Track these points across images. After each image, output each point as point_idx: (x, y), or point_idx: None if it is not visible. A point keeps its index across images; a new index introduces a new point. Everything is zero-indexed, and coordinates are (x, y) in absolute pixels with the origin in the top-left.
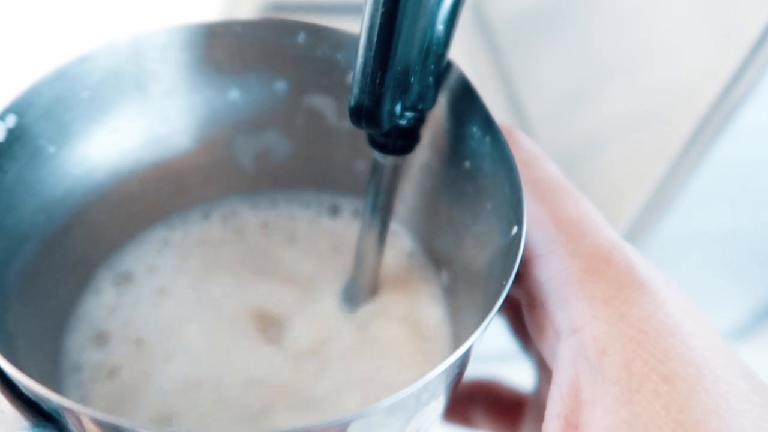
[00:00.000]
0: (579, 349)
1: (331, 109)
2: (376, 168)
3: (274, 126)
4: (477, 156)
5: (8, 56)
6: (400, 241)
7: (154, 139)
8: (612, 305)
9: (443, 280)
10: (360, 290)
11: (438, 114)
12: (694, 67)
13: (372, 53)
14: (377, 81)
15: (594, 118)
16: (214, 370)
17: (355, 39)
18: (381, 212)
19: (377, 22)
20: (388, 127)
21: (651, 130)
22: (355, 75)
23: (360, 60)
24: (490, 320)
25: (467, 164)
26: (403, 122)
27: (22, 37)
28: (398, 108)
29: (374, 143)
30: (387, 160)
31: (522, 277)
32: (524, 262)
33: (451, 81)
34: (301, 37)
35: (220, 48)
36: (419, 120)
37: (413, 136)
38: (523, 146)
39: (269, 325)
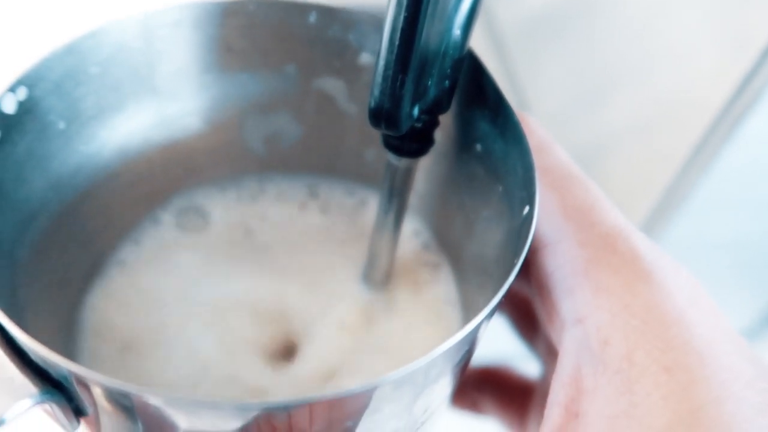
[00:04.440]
0: (582, 339)
1: (342, 93)
2: (389, 170)
3: (284, 109)
4: (489, 138)
5: (19, 29)
6: (412, 227)
7: (163, 119)
8: (616, 295)
9: (454, 266)
10: (373, 279)
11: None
12: (701, 75)
13: (394, 56)
14: (398, 83)
15: (601, 124)
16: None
17: (366, 18)
18: (395, 213)
19: (399, 25)
20: (405, 129)
21: (658, 137)
22: (375, 78)
23: (381, 62)
24: (501, 298)
25: (478, 147)
26: (418, 125)
27: (34, 10)
28: (416, 111)
29: (389, 145)
30: (401, 163)
31: (531, 267)
32: (533, 251)
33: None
34: (313, 17)
35: (231, 27)
36: (434, 123)
37: (427, 138)
38: (535, 132)
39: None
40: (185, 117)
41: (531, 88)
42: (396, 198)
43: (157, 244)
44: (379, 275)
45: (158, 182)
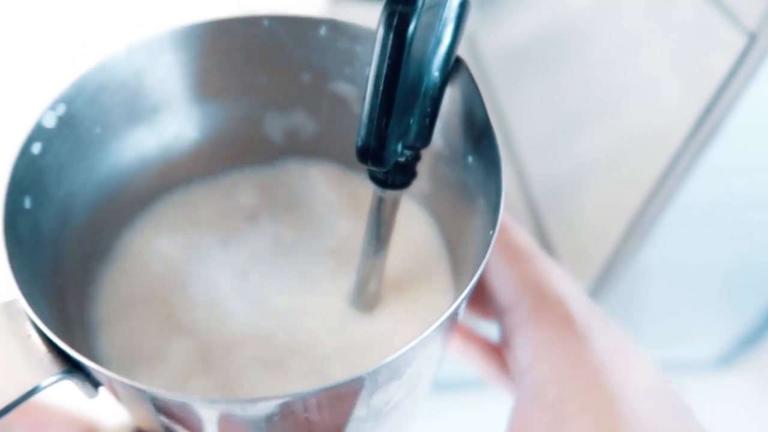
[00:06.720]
0: (531, 382)
1: (353, 97)
2: (375, 201)
3: (300, 107)
4: (477, 154)
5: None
6: (416, 222)
7: (190, 116)
8: (554, 350)
9: (451, 262)
10: (362, 304)
11: (452, 109)
12: (666, 108)
13: (378, 100)
14: (383, 125)
15: (577, 153)
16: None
17: (370, 33)
18: (381, 242)
19: (383, 72)
20: (390, 165)
21: (628, 165)
22: (362, 119)
23: (367, 106)
24: (437, 325)
25: (470, 159)
26: (402, 159)
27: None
28: (399, 147)
29: (375, 179)
30: (386, 194)
31: (501, 324)
32: (499, 314)
33: (461, 80)
34: (323, 30)
35: (250, 39)
36: (416, 157)
37: (411, 172)
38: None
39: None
40: (211, 113)
41: (514, 120)
42: (383, 228)
43: (185, 219)
44: (368, 300)
45: (188, 168)
